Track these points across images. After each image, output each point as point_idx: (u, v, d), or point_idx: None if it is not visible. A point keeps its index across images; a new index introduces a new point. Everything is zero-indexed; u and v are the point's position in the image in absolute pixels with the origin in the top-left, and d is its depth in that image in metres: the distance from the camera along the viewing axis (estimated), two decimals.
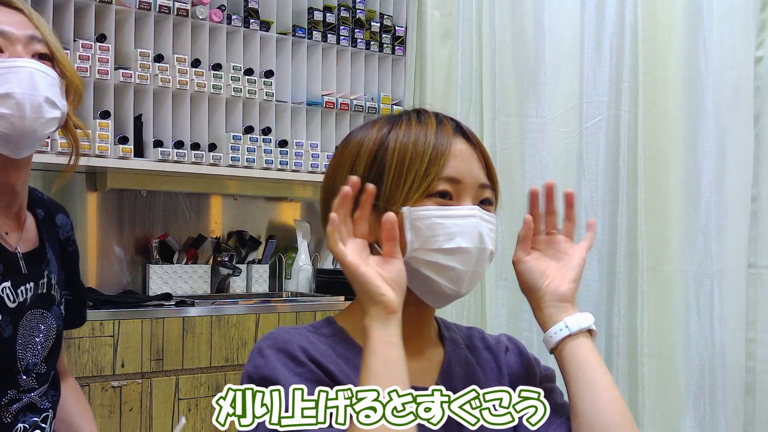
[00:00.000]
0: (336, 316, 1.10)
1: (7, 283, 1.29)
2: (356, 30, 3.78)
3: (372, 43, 3.83)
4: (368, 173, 1.04)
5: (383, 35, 3.87)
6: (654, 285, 1.90)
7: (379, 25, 3.86)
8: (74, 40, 3.02)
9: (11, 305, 1.29)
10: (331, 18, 3.72)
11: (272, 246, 3.73)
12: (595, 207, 2.04)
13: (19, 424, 1.33)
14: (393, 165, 1.03)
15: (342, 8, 3.77)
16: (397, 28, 3.92)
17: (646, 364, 1.87)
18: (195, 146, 3.30)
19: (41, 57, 1.29)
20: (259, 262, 3.69)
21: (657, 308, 1.90)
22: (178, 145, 3.24)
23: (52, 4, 2.99)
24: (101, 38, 3.09)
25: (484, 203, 1.06)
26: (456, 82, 2.06)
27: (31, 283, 1.34)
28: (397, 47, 3.90)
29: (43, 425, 1.38)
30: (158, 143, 3.20)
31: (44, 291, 1.37)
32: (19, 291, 1.31)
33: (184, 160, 3.25)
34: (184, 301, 3.10)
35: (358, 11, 3.80)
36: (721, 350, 1.89)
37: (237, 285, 3.58)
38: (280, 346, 0.99)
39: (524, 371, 1.15)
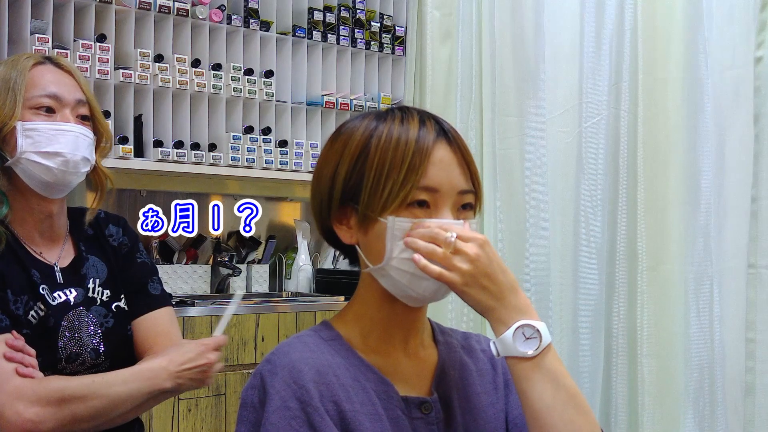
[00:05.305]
0: (332, 320, 1.12)
1: (45, 285, 1.55)
2: (356, 30, 3.78)
3: (372, 43, 3.83)
4: (349, 178, 1.06)
5: (383, 35, 3.87)
6: (654, 285, 1.89)
7: (379, 25, 3.86)
8: (74, 40, 3.03)
9: (52, 302, 1.54)
10: (331, 18, 3.72)
11: (272, 246, 3.73)
12: (594, 207, 2.03)
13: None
14: (372, 174, 1.04)
15: (342, 8, 3.77)
16: (397, 28, 3.92)
17: (646, 364, 1.87)
18: (195, 146, 3.31)
19: (83, 118, 1.59)
20: (259, 262, 3.69)
21: (657, 308, 1.89)
22: (178, 145, 3.24)
23: (52, 4, 2.99)
24: (101, 38, 3.09)
25: (465, 208, 1.07)
26: (456, 82, 2.06)
27: (72, 288, 1.59)
28: (397, 47, 3.90)
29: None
30: (158, 143, 3.20)
31: (90, 294, 1.61)
32: (55, 294, 1.56)
33: (184, 160, 3.25)
34: (184, 301, 3.10)
35: (358, 11, 3.80)
36: (721, 350, 1.89)
37: (237, 285, 3.58)
38: (283, 395, 0.99)
39: None
